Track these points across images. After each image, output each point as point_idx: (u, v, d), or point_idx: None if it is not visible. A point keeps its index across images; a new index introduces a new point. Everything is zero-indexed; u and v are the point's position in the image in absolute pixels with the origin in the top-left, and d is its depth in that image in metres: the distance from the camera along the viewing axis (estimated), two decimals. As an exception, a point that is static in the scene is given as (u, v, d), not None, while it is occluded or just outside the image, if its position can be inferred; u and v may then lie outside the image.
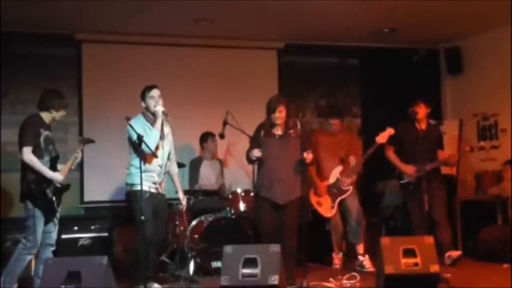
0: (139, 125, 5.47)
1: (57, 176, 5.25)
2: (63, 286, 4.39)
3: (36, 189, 5.13)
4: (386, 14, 7.46)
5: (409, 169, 6.60)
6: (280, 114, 5.76)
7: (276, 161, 5.70)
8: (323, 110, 7.50)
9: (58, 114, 5.41)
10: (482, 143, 8.00)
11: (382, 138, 6.41)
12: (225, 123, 6.62)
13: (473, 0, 6.87)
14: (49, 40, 7.70)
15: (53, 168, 5.29)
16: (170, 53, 8.12)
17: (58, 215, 5.34)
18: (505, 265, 6.30)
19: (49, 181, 5.20)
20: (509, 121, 7.79)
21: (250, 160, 5.83)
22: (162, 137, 5.65)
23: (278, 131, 5.81)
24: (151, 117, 5.63)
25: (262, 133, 5.82)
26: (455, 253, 6.50)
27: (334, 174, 6.77)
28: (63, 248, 6.70)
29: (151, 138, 5.44)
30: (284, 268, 4.86)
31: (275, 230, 5.71)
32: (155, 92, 5.64)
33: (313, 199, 6.80)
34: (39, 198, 5.14)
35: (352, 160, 6.84)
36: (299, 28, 7.96)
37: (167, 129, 5.75)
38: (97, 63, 7.86)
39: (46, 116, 5.35)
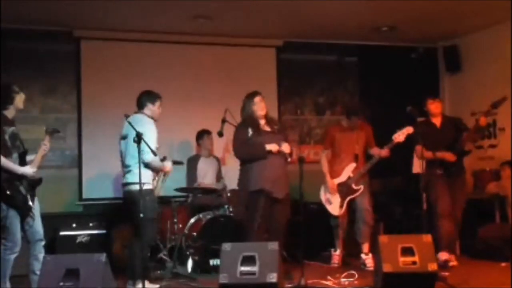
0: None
1: (28, 170, 5.11)
2: (61, 283, 4.39)
3: (9, 188, 5.00)
4: (385, 12, 7.47)
5: (448, 156, 6.35)
6: (262, 104, 5.90)
7: (273, 156, 5.77)
8: (348, 107, 7.32)
9: (18, 104, 5.24)
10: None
11: (399, 136, 6.27)
12: (223, 121, 6.62)
13: (472, -2, 6.91)
14: (47, 37, 7.70)
15: (22, 163, 5.16)
16: (168, 51, 8.12)
17: (36, 210, 5.20)
18: (503, 264, 6.32)
19: (21, 178, 5.08)
20: (508, 120, 7.80)
21: (254, 157, 5.81)
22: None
23: (265, 127, 5.91)
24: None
25: (250, 131, 5.86)
26: (452, 261, 6.43)
27: (346, 172, 6.64)
28: (61, 245, 6.71)
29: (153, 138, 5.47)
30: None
31: (267, 226, 5.78)
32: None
33: (323, 197, 6.74)
34: (12, 197, 5.02)
35: (373, 151, 6.65)
36: (297, 26, 7.96)
37: None
38: (95, 60, 7.85)
39: (8, 113, 5.19)
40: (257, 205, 5.72)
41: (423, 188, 6.42)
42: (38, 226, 5.26)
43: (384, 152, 6.45)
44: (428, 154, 6.35)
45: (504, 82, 7.78)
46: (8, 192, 5.00)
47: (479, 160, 8.25)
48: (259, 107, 5.91)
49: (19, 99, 5.26)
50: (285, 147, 5.80)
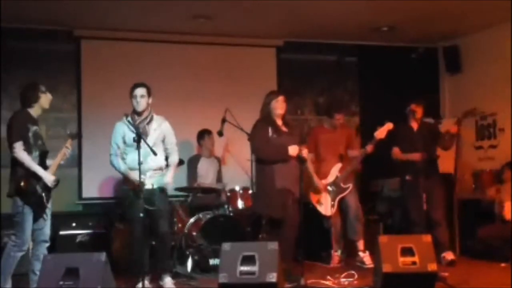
0: (121, 128, 5.55)
1: (49, 177, 5.16)
2: (61, 282, 4.39)
3: (26, 186, 5.02)
4: (385, 12, 7.47)
5: (416, 156, 6.52)
6: (284, 104, 5.92)
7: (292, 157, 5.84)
8: (324, 106, 7.51)
9: (43, 103, 5.29)
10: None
11: (380, 133, 6.40)
12: (223, 121, 6.62)
13: (472, -2, 6.91)
14: (48, 36, 7.70)
15: (42, 163, 5.20)
16: (168, 50, 8.11)
17: (48, 211, 5.25)
18: (503, 264, 6.32)
19: (39, 177, 5.10)
20: (508, 120, 7.80)
21: (277, 159, 5.80)
22: (145, 133, 5.57)
23: (283, 128, 5.94)
24: (135, 117, 5.61)
25: (270, 131, 5.85)
26: (449, 256, 6.48)
27: (334, 172, 6.75)
28: (61, 244, 6.70)
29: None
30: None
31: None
32: (137, 91, 5.59)
33: (313, 198, 6.79)
34: (28, 195, 5.04)
35: (351, 153, 6.83)
36: (297, 26, 7.96)
37: (156, 124, 5.67)
38: (95, 59, 7.85)
39: (33, 111, 5.25)
40: (287, 203, 5.80)
41: (422, 188, 6.46)
42: (47, 227, 5.28)
43: (369, 148, 6.55)
44: (401, 156, 6.63)
45: (504, 82, 7.79)
46: (25, 189, 5.01)
47: (479, 161, 8.25)
48: (281, 107, 5.94)
49: (45, 99, 5.30)
50: (305, 152, 5.81)
